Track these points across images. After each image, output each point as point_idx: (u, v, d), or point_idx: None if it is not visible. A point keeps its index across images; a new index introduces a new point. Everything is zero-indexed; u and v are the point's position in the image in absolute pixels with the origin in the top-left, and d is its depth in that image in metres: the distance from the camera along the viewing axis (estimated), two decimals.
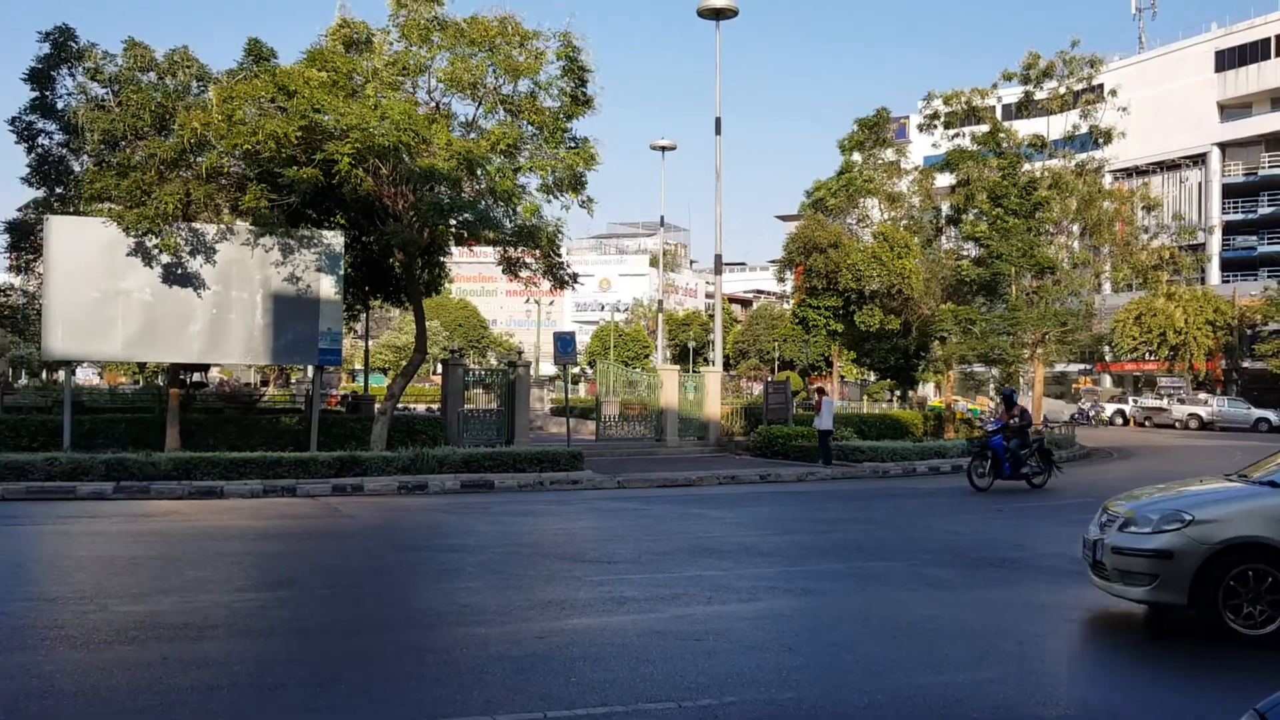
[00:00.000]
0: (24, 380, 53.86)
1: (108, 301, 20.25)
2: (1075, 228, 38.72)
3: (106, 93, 21.13)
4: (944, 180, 41.07)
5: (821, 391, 26.18)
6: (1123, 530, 8.40)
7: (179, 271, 20.55)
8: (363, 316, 31.91)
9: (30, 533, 13.55)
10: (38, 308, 23.34)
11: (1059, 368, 60.73)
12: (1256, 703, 3.22)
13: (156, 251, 20.14)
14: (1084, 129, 37.56)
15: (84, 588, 9.58)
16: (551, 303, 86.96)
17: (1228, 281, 66.03)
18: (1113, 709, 6.49)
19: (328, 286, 21.59)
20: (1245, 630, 7.81)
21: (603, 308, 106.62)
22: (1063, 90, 37.51)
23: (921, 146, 47.34)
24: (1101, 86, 38.99)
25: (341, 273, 21.90)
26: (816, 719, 6.08)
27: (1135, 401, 57.51)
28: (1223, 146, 69.58)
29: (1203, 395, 56.38)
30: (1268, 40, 66.87)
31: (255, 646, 7.54)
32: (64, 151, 22.76)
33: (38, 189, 23.21)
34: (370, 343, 41.81)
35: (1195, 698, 6.84)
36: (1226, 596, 7.82)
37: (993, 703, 6.42)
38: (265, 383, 55.61)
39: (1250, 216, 68.84)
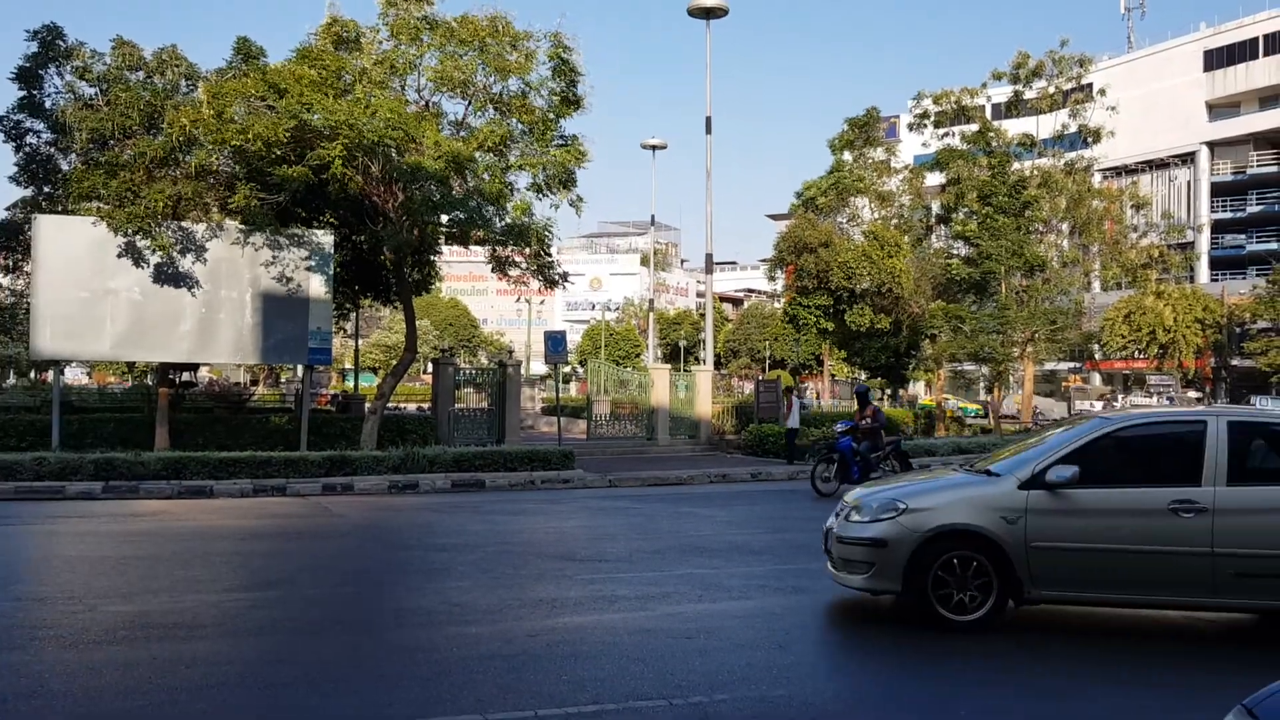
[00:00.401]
0: (12, 380, 53.63)
1: (96, 301, 20.18)
2: (1064, 226, 38.86)
3: (95, 91, 21.08)
4: (934, 179, 41.20)
5: (790, 391, 26.17)
6: (848, 519, 8.55)
7: (168, 271, 20.49)
8: (353, 315, 31.88)
9: (19, 532, 13.49)
10: (26, 307, 23.25)
11: (1049, 366, 60.95)
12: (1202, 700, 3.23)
13: (146, 251, 20.09)
14: (1073, 128, 37.70)
15: (73, 587, 9.55)
16: (542, 302, 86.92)
17: (1216, 280, 66.31)
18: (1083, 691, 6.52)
19: (317, 285, 21.56)
20: (953, 616, 7.96)
21: (594, 307, 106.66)
22: (1052, 90, 37.65)
23: (911, 146, 47.46)
24: (1090, 86, 39.08)
25: (331, 272, 21.86)
26: (807, 716, 6.09)
27: (1125, 399, 57.70)
28: (1211, 145, 69.86)
29: (1192, 393, 56.57)
30: (1255, 40, 67.16)
31: (245, 646, 7.52)
32: (52, 150, 22.69)
33: (25, 188, 23.16)
34: (360, 342, 41.76)
35: (1185, 695, 6.86)
36: (936, 583, 7.97)
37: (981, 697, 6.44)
38: (255, 382, 55.49)
39: (1239, 215, 69.15)
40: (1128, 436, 8.48)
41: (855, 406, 19.87)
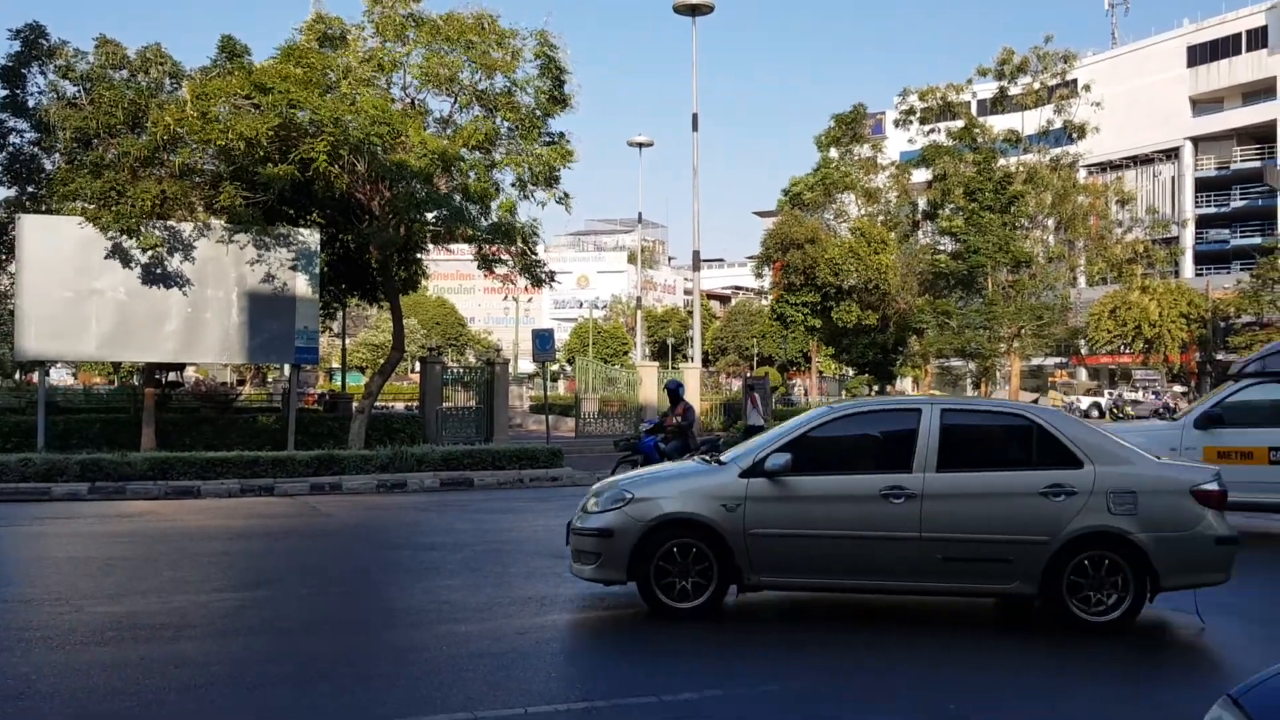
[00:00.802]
0: None
1: (81, 301, 20.08)
2: (1050, 222, 39.05)
3: (78, 90, 20.95)
4: (920, 176, 41.33)
5: (751, 389, 26.23)
6: (585, 511, 8.64)
7: (154, 270, 20.40)
8: (339, 314, 31.78)
9: (4, 534, 13.42)
10: (10, 308, 23.12)
11: (1035, 361, 61.14)
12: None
13: (132, 250, 19.98)
14: (1058, 124, 37.88)
15: (60, 589, 9.50)
16: (530, 300, 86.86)
17: (1201, 274, 66.64)
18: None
19: (303, 285, 21.49)
20: (674, 604, 8.08)
21: (581, 305, 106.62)
22: (1037, 85, 37.83)
23: (898, 142, 47.57)
24: (1075, 82, 39.27)
25: (317, 271, 21.79)
26: (800, 712, 6.10)
27: (1111, 395, 57.94)
28: (1195, 141, 70.19)
29: (1178, 388, 56.82)
30: (1238, 35, 67.53)
31: (233, 646, 7.50)
32: (35, 150, 22.55)
33: (9, 188, 23.01)
34: (347, 341, 41.59)
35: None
36: (659, 572, 8.09)
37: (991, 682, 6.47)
38: (242, 382, 55.30)
39: (1223, 210, 69.51)
40: (848, 424, 8.72)
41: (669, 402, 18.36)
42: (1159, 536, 7.77)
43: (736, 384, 50.36)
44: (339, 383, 44.19)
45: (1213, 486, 7.98)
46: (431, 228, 22.46)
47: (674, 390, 18.27)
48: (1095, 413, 54.93)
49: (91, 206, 19.73)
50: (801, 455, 8.13)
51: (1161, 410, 53.67)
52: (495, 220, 21.54)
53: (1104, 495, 7.81)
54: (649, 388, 29.09)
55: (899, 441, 8.19)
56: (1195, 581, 8.08)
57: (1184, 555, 7.86)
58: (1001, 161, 37.32)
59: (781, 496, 8.07)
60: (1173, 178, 71.33)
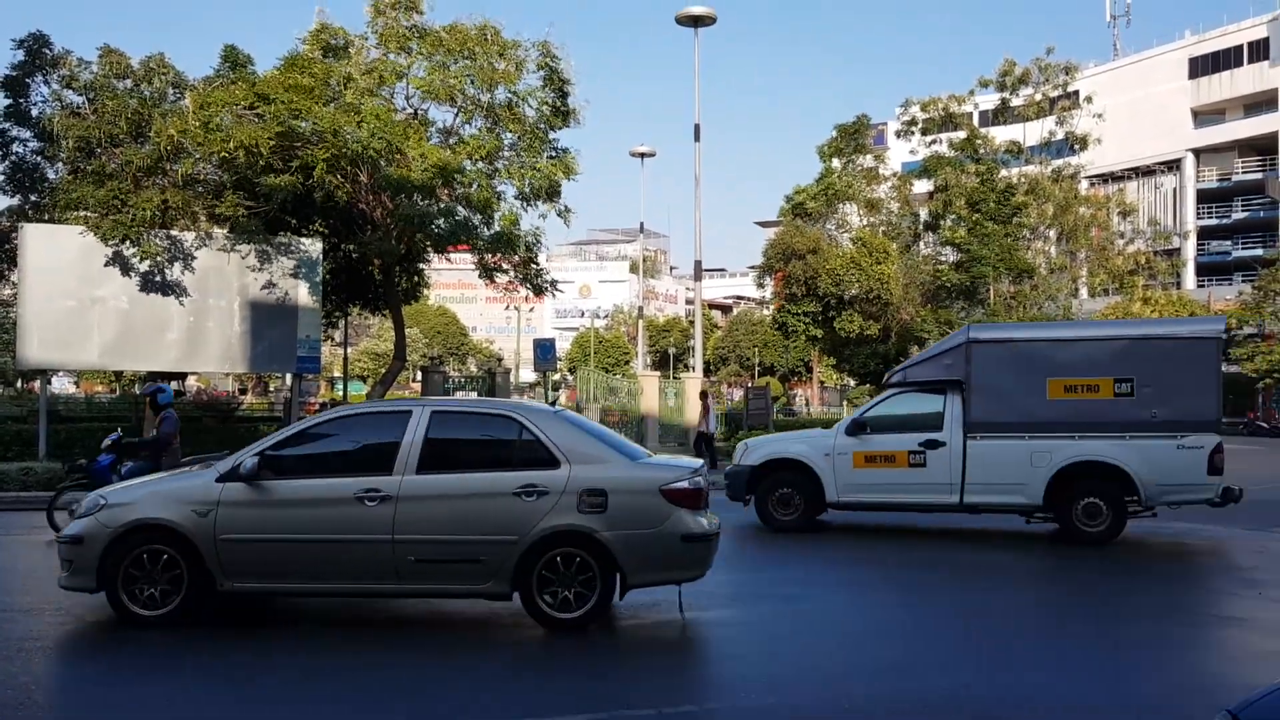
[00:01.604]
0: None
1: (84, 310, 20.08)
2: (1052, 233, 39.10)
3: (82, 100, 20.98)
4: (922, 186, 41.40)
5: (705, 395, 26.17)
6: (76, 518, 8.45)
7: (156, 279, 20.40)
8: (341, 324, 31.79)
9: (6, 543, 13.44)
10: (12, 316, 23.13)
11: None
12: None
13: (134, 259, 20.00)
14: (1060, 135, 37.98)
15: (60, 598, 9.48)
16: (531, 309, 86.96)
17: (1203, 286, 66.65)
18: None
19: (305, 294, 21.49)
20: (142, 611, 7.95)
21: (583, 314, 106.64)
22: (1038, 97, 37.93)
23: (900, 153, 47.67)
24: (1077, 93, 39.38)
25: (319, 280, 21.80)
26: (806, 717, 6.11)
27: None
28: (1197, 152, 70.25)
29: None
30: (1240, 47, 67.65)
31: (233, 653, 7.49)
32: (39, 159, 22.58)
33: (12, 197, 23.04)
34: (349, 350, 41.64)
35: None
36: (127, 579, 7.97)
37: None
38: (243, 391, 55.40)
39: (1224, 221, 69.55)
40: (340, 427, 8.77)
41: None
42: (625, 534, 7.87)
43: (737, 394, 50.36)
44: (341, 392, 44.21)
45: (683, 485, 8.08)
46: (435, 233, 22.49)
47: (152, 396, 14.35)
48: None
49: (94, 215, 19.74)
50: (284, 458, 8.15)
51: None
52: (498, 230, 21.56)
53: (575, 495, 7.89)
54: (650, 397, 29.07)
55: (385, 444, 8.18)
56: (665, 578, 8.24)
57: (650, 552, 7.97)
58: (1003, 172, 37.41)
59: (257, 501, 8.01)
60: (1174, 189, 71.38)
